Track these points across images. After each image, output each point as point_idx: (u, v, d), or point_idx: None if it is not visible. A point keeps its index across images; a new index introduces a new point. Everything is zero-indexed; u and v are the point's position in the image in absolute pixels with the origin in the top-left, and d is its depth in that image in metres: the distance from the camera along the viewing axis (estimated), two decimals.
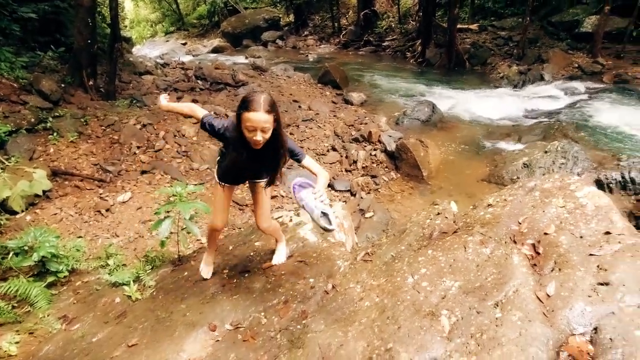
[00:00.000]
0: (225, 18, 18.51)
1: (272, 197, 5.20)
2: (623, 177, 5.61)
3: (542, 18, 12.55)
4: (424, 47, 12.74)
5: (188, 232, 3.24)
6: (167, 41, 19.71)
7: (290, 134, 6.70)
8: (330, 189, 5.42)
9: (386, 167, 5.94)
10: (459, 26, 12.29)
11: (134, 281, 2.91)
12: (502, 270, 1.72)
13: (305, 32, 18.11)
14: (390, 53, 14.47)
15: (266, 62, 11.43)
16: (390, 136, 6.50)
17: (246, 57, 13.52)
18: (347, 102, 8.58)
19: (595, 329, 1.39)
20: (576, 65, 10.52)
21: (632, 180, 5.57)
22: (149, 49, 16.96)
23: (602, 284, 1.51)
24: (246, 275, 2.58)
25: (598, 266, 1.60)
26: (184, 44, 18.38)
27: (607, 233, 1.78)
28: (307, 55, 14.88)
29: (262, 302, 2.24)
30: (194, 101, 7.09)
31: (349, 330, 1.72)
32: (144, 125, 5.80)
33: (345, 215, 3.18)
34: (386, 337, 1.58)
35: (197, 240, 4.27)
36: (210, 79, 8.39)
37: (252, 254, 2.85)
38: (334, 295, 2.04)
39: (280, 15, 19.00)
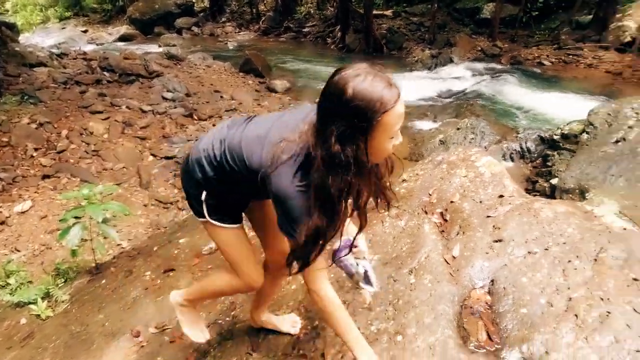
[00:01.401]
0: (132, 2, 16.97)
1: None
2: (521, 148, 6.33)
3: (448, 5, 13.48)
4: (343, 33, 12.99)
5: (105, 237, 2.99)
6: (64, 28, 17.54)
7: (214, 125, 6.45)
8: None
9: None
10: (374, 12, 12.72)
11: (42, 298, 2.62)
12: (415, 239, 1.85)
13: (223, 19, 17.38)
14: (311, 39, 14.51)
15: (182, 51, 10.78)
16: None
17: (159, 46, 12.63)
18: (271, 90, 8.47)
19: (492, 281, 1.56)
20: (479, 48, 11.52)
21: (529, 150, 6.31)
22: (40, 38, 14.95)
23: (496, 241, 1.70)
24: (171, 274, 2.46)
25: (493, 226, 1.80)
26: (85, 32, 16.49)
27: (501, 196, 2.00)
28: (227, 43, 14.34)
29: None
30: (102, 95, 6.46)
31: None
32: (41, 124, 5.15)
33: None
34: (312, 316, 1.63)
35: (118, 244, 3.97)
36: (119, 70, 7.69)
37: (176, 251, 2.73)
38: None
39: (194, 0, 17.98)
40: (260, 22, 16.04)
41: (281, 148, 1.07)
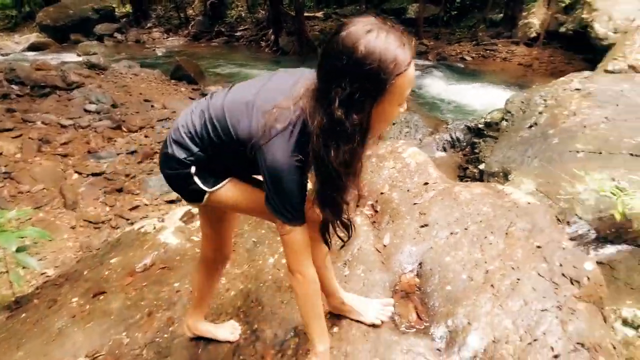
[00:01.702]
0: (41, 8, 15.50)
1: (134, 208, 4.72)
2: (452, 138, 6.76)
3: (376, 5, 14.02)
4: (277, 36, 12.98)
5: (24, 267, 2.72)
6: None
7: (146, 136, 6.12)
8: None
9: None
10: (306, 14, 12.86)
11: None
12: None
13: (149, 24, 16.54)
14: (244, 43, 14.33)
15: (105, 59, 10.09)
16: None
17: (78, 55, 11.73)
18: (206, 96, 8.24)
19: (420, 264, 1.65)
20: None
21: (458, 139, 6.75)
22: None
23: (422, 226, 1.80)
24: (101, 297, 2.29)
25: (420, 212, 1.90)
26: None
27: (426, 184, 2.12)
28: (155, 50, 13.69)
29: (123, 322, 2.03)
30: (10, 110, 5.85)
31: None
32: None
33: None
34: (251, 320, 1.61)
35: (42, 273, 3.62)
36: (30, 82, 7.00)
37: (107, 272, 2.54)
38: None
39: (114, 5, 16.90)
40: (190, 27, 15.51)
41: (274, 116, 0.95)
